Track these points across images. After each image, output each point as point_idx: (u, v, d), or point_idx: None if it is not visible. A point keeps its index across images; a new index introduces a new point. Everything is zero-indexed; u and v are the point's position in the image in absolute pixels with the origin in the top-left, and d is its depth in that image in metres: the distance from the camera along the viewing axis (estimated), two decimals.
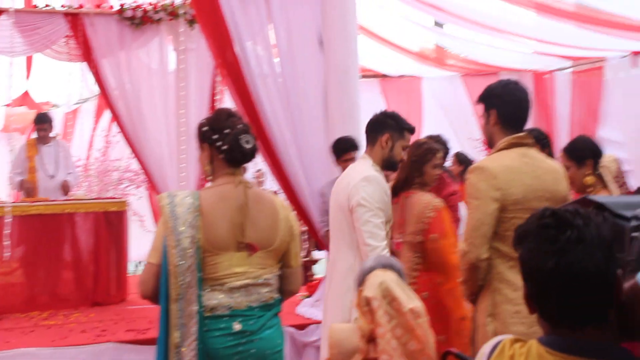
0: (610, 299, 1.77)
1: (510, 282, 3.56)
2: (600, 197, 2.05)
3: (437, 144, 5.69)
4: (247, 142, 3.32)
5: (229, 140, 3.30)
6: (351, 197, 4.36)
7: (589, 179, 4.40)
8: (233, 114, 3.46)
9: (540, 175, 3.64)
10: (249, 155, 3.36)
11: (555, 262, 1.77)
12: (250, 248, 3.26)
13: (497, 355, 1.91)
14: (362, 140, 6.78)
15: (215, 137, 3.33)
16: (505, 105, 3.72)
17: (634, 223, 1.97)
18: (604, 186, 4.35)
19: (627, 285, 1.82)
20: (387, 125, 4.54)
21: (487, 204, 3.54)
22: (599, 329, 1.78)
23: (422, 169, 5.03)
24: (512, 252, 3.49)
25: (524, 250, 1.87)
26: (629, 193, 4.36)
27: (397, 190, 5.26)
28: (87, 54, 9.24)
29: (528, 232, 1.88)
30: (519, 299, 3.50)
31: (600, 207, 2.04)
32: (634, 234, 1.97)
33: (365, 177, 4.38)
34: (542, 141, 5.25)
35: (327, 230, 6.55)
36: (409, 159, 5.15)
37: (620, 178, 4.40)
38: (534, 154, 3.72)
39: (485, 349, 1.98)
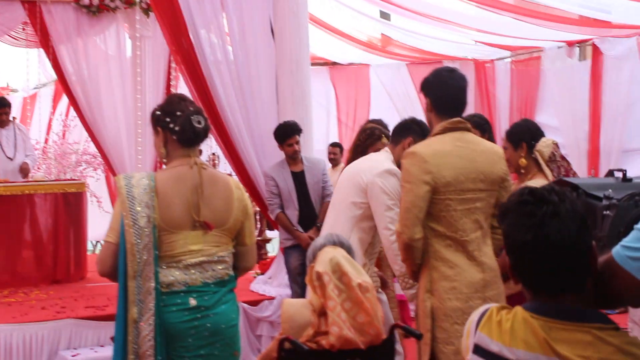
0: (586, 268, 1.88)
1: (446, 259, 3.65)
2: (574, 179, 2.17)
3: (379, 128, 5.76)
4: (198, 122, 3.34)
5: (180, 121, 3.32)
6: (373, 181, 4.45)
7: (522, 161, 4.47)
8: (185, 98, 3.50)
9: (474, 158, 3.69)
10: (201, 135, 3.38)
11: (533, 235, 1.88)
12: (206, 226, 3.30)
13: (485, 322, 2.00)
14: (308, 125, 6.86)
15: (167, 119, 3.35)
16: (438, 93, 3.78)
17: (605, 202, 2.08)
18: (540, 169, 4.40)
19: (602, 259, 1.92)
20: (412, 130, 4.62)
21: (418, 187, 3.60)
22: (577, 296, 1.89)
23: (365, 154, 5.11)
24: (447, 232, 3.61)
25: (506, 225, 1.96)
26: (566, 175, 4.40)
27: None
28: (44, 41, 9.17)
29: (509, 209, 1.97)
30: (454, 275, 3.60)
31: (575, 187, 2.15)
32: (605, 212, 2.08)
33: (389, 169, 4.47)
34: (483, 126, 5.32)
35: (280, 212, 6.63)
36: (354, 143, 5.24)
37: (555, 162, 4.43)
38: (469, 138, 3.77)
39: (474, 317, 2.06)
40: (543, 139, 4.43)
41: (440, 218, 3.65)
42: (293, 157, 6.67)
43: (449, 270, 3.62)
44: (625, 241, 1.89)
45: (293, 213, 6.64)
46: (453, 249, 3.65)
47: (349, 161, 5.30)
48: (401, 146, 4.55)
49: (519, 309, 1.96)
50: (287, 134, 6.62)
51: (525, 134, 4.49)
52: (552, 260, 1.88)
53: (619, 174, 2.25)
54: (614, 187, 2.13)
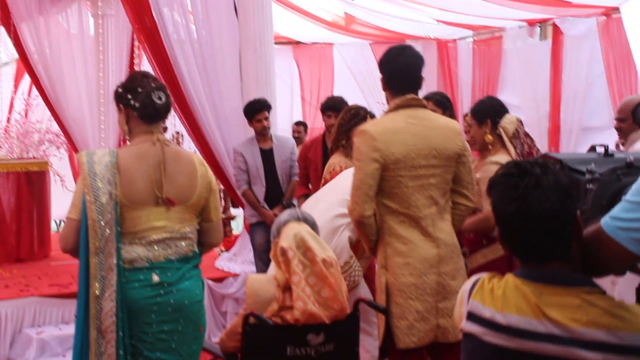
0: (570, 236, 1.97)
1: (400, 235, 3.66)
2: (558, 154, 2.25)
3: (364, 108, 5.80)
4: (159, 98, 3.33)
5: (141, 97, 3.31)
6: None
7: (489, 137, 4.52)
8: (147, 75, 3.46)
9: (427, 134, 3.68)
10: (162, 111, 3.36)
11: (517, 206, 1.97)
12: (169, 202, 3.29)
13: (478, 290, 2.09)
14: (272, 103, 6.86)
15: (128, 96, 3.34)
16: (389, 71, 3.79)
17: (588, 176, 2.14)
18: (503, 145, 4.45)
19: (589, 230, 2.01)
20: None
21: (367, 165, 3.61)
22: (563, 262, 1.99)
23: (349, 134, 5.08)
24: (400, 208, 3.63)
25: (493, 198, 2.06)
26: (529, 154, 4.45)
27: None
28: (5, 19, 9.01)
29: (495, 182, 2.07)
30: (408, 251, 3.62)
31: (558, 162, 2.21)
32: (588, 186, 2.15)
33: None
34: (445, 104, 5.37)
35: (247, 188, 6.62)
36: (338, 123, 5.24)
37: (519, 139, 4.48)
38: (422, 114, 3.76)
39: (466, 286, 2.16)
40: (507, 116, 4.49)
41: (393, 195, 3.66)
42: (262, 134, 6.66)
43: (403, 246, 3.64)
44: (614, 212, 1.96)
45: (260, 190, 6.64)
46: (407, 225, 3.66)
47: (333, 141, 5.30)
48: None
49: (509, 277, 2.06)
50: (255, 109, 6.61)
51: (489, 111, 4.55)
52: (536, 230, 1.97)
53: (601, 149, 2.32)
54: (597, 161, 2.20)
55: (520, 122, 4.50)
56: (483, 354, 2.07)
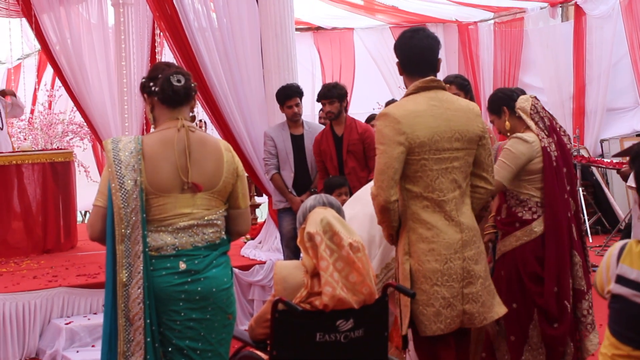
0: None
1: (424, 221, 3.60)
2: None
3: None
4: (177, 81, 3.29)
5: (160, 82, 3.29)
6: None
7: (507, 124, 4.50)
8: (170, 64, 3.44)
9: (449, 117, 3.62)
10: (181, 93, 3.32)
11: None
12: (195, 188, 3.25)
13: (627, 254, 2.28)
14: None
15: (150, 84, 3.33)
16: (404, 54, 3.73)
17: None
18: (527, 126, 4.40)
19: None
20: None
21: (392, 148, 3.54)
22: None
23: None
24: (424, 192, 3.57)
25: (637, 168, 2.30)
26: (552, 128, 4.40)
27: None
28: (27, 10, 9.05)
29: (638, 152, 2.33)
30: (432, 237, 3.56)
31: None
32: None
33: None
34: (467, 87, 5.33)
35: (276, 173, 6.59)
36: None
37: (537, 114, 4.43)
38: (443, 96, 3.69)
39: (614, 251, 2.36)
40: (520, 97, 4.46)
41: (417, 179, 3.60)
42: (293, 120, 6.64)
43: (427, 231, 3.58)
44: None
45: (289, 175, 6.61)
46: (431, 210, 3.60)
47: None
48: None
49: None
50: (287, 95, 6.58)
51: (502, 100, 4.55)
52: None
53: None
54: None
55: (536, 98, 4.46)
56: (631, 313, 2.34)
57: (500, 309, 3.75)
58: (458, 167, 3.63)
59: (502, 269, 4.36)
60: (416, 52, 3.70)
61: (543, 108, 4.42)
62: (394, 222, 3.66)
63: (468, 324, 3.65)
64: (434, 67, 3.74)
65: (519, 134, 4.34)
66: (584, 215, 9.97)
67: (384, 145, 3.57)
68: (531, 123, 4.34)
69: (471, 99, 5.33)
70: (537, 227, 4.26)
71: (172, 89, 3.29)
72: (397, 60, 3.79)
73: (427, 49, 3.71)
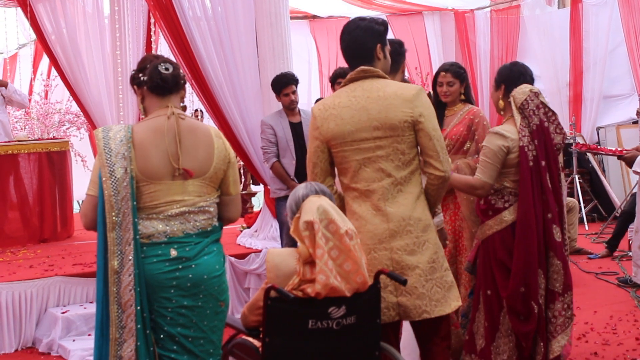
0: None
1: (353, 212, 3.64)
2: None
3: None
4: (165, 69, 3.33)
5: (148, 71, 3.33)
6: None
7: (500, 103, 4.44)
8: (158, 56, 3.48)
9: (367, 107, 3.58)
10: (170, 80, 3.34)
11: None
12: (186, 174, 3.27)
13: None
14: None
15: (139, 75, 3.37)
16: (341, 45, 3.74)
17: None
18: (513, 115, 4.33)
19: None
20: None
21: (311, 143, 3.70)
22: None
23: None
24: (351, 183, 3.60)
25: None
26: (538, 127, 4.28)
27: None
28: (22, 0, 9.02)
29: None
30: (359, 228, 3.56)
31: None
32: None
33: None
34: (461, 75, 5.32)
35: (276, 161, 6.58)
36: None
37: (527, 110, 4.30)
38: (370, 85, 3.63)
39: None
40: (521, 86, 4.33)
41: (342, 170, 3.67)
42: (290, 108, 6.64)
43: (355, 222, 3.57)
44: None
45: (290, 163, 6.60)
46: (360, 200, 3.62)
47: None
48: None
49: None
50: (283, 83, 6.59)
51: (505, 77, 4.44)
52: None
53: None
54: None
55: (535, 93, 4.27)
56: None
57: (454, 304, 3.66)
58: (384, 156, 3.58)
59: (479, 256, 4.37)
60: (345, 45, 3.71)
61: (540, 106, 4.25)
62: None
63: (404, 317, 3.61)
64: (367, 57, 3.67)
65: (496, 129, 4.29)
66: (580, 203, 10.01)
67: (309, 140, 3.74)
68: (517, 117, 4.27)
69: (467, 86, 5.34)
70: (507, 215, 4.21)
71: (160, 76, 3.31)
72: None
73: (355, 41, 3.67)
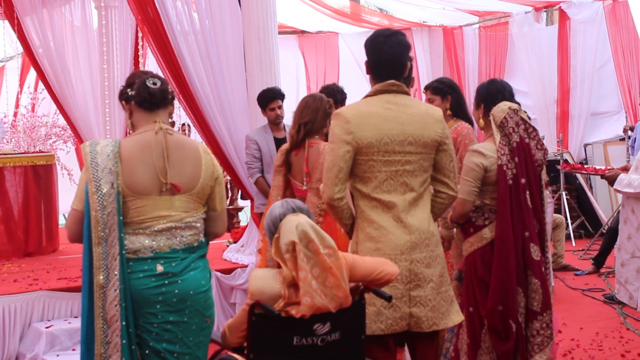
0: None
1: (372, 220, 3.62)
2: None
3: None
4: (153, 83, 3.35)
5: (136, 86, 3.35)
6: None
7: (481, 122, 4.48)
8: (146, 72, 3.50)
9: (404, 121, 3.62)
10: (158, 95, 3.36)
11: None
12: (173, 189, 3.28)
13: None
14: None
15: (127, 90, 3.39)
16: (373, 57, 3.73)
17: None
18: (492, 134, 4.35)
19: None
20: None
21: (339, 147, 3.58)
22: None
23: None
24: (372, 193, 3.59)
25: None
26: (519, 145, 4.30)
27: (300, 141, 5.33)
28: (9, 12, 9.02)
29: None
30: (379, 237, 3.58)
31: None
32: None
33: None
34: (441, 90, 5.31)
35: (260, 177, 6.59)
36: (317, 110, 5.26)
37: (506, 128, 4.30)
38: (402, 100, 3.69)
39: None
40: (500, 104, 4.34)
41: (366, 179, 3.63)
42: (275, 123, 6.67)
43: (374, 231, 3.60)
44: None
45: None
46: (379, 210, 3.62)
47: (300, 129, 5.32)
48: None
49: None
50: (269, 97, 6.62)
51: (484, 96, 4.48)
52: None
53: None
54: None
55: (514, 111, 4.29)
56: None
57: (456, 317, 3.74)
58: (410, 171, 3.63)
59: (465, 272, 4.40)
60: (386, 58, 3.70)
61: (520, 123, 4.28)
62: (344, 220, 3.71)
63: (415, 327, 3.63)
64: (400, 73, 3.73)
65: (475, 146, 4.34)
66: (567, 219, 10.06)
67: (333, 143, 3.62)
68: (497, 135, 4.29)
69: (457, 102, 5.31)
70: (487, 233, 4.26)
71: (147, 91, 3.34)
72: (366, 59, 3.80)
73: (397, 55, 3.71)
